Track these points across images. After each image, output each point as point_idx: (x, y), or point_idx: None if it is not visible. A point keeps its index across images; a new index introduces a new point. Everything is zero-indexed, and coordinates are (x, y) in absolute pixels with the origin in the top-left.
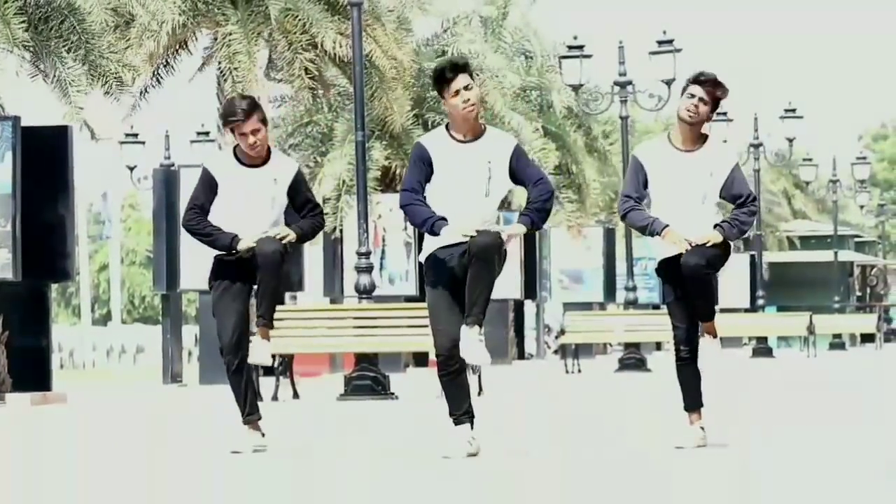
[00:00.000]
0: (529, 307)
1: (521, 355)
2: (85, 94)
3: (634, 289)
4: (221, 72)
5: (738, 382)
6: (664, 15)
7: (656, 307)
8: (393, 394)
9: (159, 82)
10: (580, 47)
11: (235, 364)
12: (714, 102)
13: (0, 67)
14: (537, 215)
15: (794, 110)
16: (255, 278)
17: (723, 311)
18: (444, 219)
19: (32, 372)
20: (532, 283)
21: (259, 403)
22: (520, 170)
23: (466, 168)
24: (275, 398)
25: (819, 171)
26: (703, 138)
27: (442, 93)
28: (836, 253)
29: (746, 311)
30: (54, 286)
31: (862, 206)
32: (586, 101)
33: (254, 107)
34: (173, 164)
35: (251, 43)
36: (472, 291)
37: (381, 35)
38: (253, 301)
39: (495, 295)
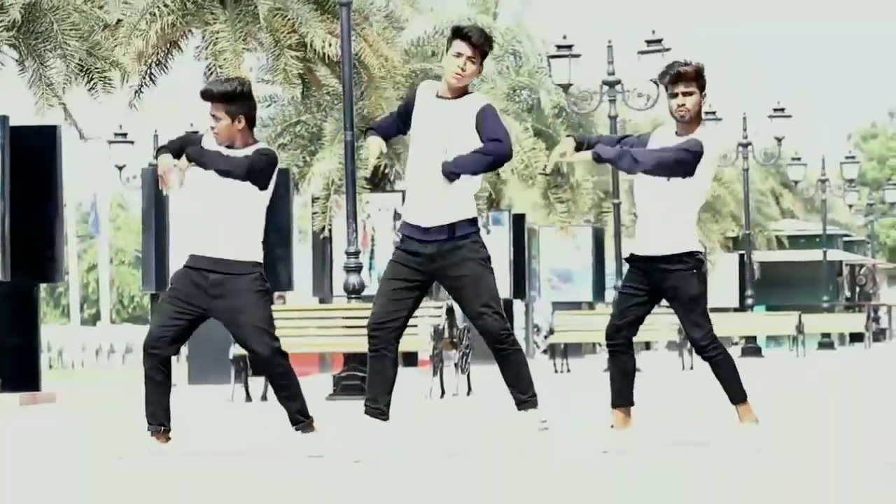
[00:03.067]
0: (518, 307)
1: None
2: (60, 94)
3: None
4: (210, 70)
5: None
6: (653, 14)
7: None
8: None
9: (153, 81)
10: (569, 47)
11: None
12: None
13: None
14: (462, 161)
15: (782, 109)
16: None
17: (712, 310)
18: (377, 135)
19: (21, 372)
20: (521, 282)
21: (238, 404)
22: (481, 123)
23: (433, 122)
24: (264, 398)
25: (808, 171)
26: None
27: (448, 47)
28: (824, 252)
29: (735, 310)
30: (43, 286)
31: (851, 206)
32: (575, 100)
33: (215, 91)
34: None
35: (238, 41)
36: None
37: (371, 34)
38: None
39: None
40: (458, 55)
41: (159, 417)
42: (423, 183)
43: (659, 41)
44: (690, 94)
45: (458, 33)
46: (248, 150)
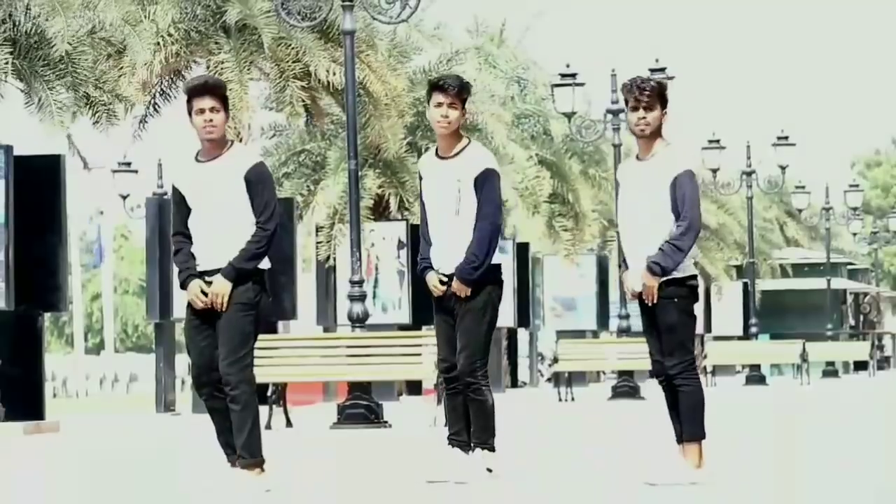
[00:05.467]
0: (523, 335)
1: (515, 383)
2: (67, 125)
3: (627, 317)
4: None
5: (732, 410)
6: (657, 43)
7: None
8: (386, 422)
9: (157, 111)
10: (573, 75)
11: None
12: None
13: None
14: (465, 267)
15: (786, 137)
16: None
17: (716, 338)
18: (429, 266)
19: (25, 401)
20: (525, 310)
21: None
22: (477, 194)
23: (439, 184)
24: (268, 427)
25: (812, 199)
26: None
27: (429, 100)
28: (828, 280)
29: (739, 338)
30: (47, 315)
31: (855, 234)
32: (579, 128)
33: (218, 85)
34: (166, 193)
35: (243, 71)
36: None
37: (375, 61)
38: None
39: None
40: (439, 105)
41: (232, 445)
42: (443, 241)
43: (662, 69)
44: (651, 108)
45: (435, 85)
46: (235, 160)
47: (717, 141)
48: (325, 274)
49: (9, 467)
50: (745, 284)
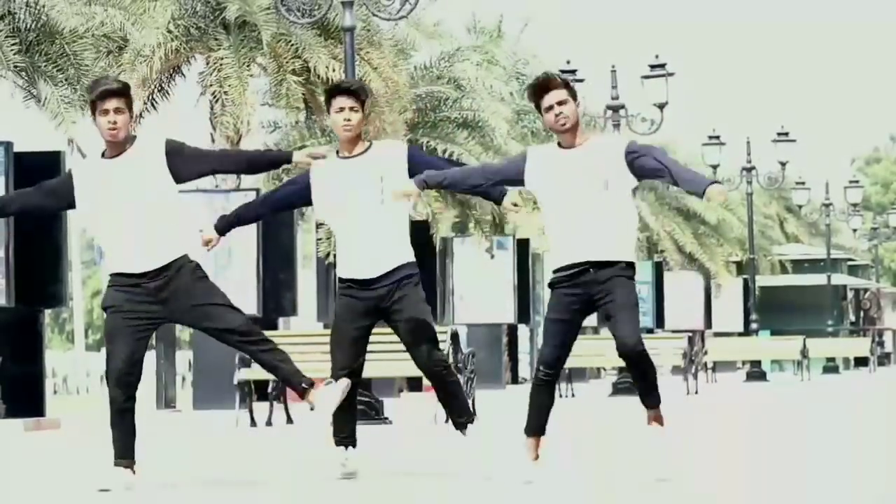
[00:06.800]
0: (523, 331)
1: (515, 379)
2: (73, 121)
3: None
4: (214, 96)
5: (733, 407)
6: (657, 39)
7: (650, 331)
8: (387, 418)
9: (154, 107)
10: (573, 71)
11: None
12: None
13: None
14: (435, 174)
15: (786, 134)
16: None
17: (716, 334)
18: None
19: (25, 398)
20: (525, 307)
21: (242, 429)
22: (419, 164)
23: (347, 187)
24: (269, 423)
25: (812, 195)
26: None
27: (328, 107)
28: (829, 277)
29: (740, 334)
30: (47, 312)
31: (855, 230)
32: None
33: (124, 88)
34: None
35: (242, 67)
36: None
37: (376, 58)
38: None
39: (490, 319)
40: (341, 109)
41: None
42: (365, 241)
43: (662, 65)
44: (564, 102)
45: (334, 91)
46: (140, 144)
47: (717, 137)
48: (326, 270)
49: (9, 465)
50: (746, 281)
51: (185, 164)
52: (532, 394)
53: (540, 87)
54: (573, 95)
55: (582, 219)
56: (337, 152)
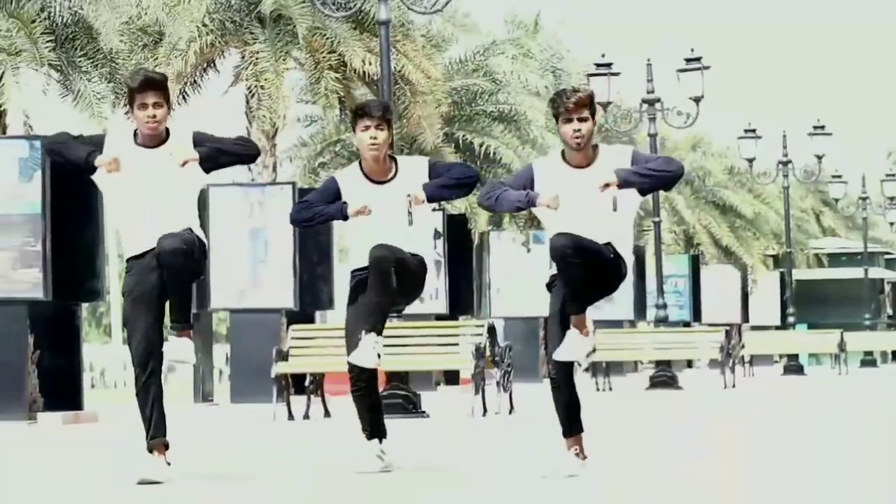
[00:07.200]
0: None
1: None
2: (105, 116)
3: (665, 306)
4: (250, 90)
5: (770, 400)
6: (692, 33)
7: (687, 325)
8: (424, 412)
9: (186, 101)
10: (608, 65)
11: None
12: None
13: (28, 86)
14: (437, 187)
15: (822, 127)
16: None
17: (753, 328)
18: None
19: (63, 391)
20: None
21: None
22: (436, 173)
23: (383, 208)
24: (306, 417)
25: (848, 188)
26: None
27: (354, 127)
28: (866, 270)
29: (777, 328)
30: (85, 305)
31: (892, 223)
32: (615, 119)
33: (164, 81)
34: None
35: (279, 61)
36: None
37: (412, 50)
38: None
39: (526, 312)
40: (366, 128)
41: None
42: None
43: (698, 59)
44: (585, 120)
45: (360, 112)
46: (173, 140)
47: (753, 130)
48: None
49: (48, 458)
50: (782, 274)
51: (209, 157)
52: (553, 395)
53: (565, 98)
54: (593, 114)
55: (585, 235)
56: (361, 168)
